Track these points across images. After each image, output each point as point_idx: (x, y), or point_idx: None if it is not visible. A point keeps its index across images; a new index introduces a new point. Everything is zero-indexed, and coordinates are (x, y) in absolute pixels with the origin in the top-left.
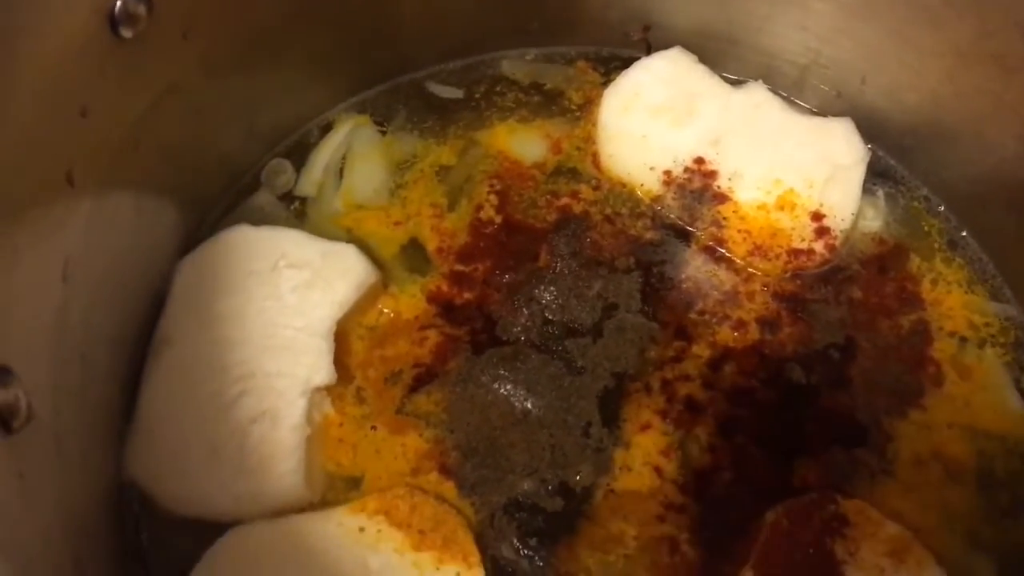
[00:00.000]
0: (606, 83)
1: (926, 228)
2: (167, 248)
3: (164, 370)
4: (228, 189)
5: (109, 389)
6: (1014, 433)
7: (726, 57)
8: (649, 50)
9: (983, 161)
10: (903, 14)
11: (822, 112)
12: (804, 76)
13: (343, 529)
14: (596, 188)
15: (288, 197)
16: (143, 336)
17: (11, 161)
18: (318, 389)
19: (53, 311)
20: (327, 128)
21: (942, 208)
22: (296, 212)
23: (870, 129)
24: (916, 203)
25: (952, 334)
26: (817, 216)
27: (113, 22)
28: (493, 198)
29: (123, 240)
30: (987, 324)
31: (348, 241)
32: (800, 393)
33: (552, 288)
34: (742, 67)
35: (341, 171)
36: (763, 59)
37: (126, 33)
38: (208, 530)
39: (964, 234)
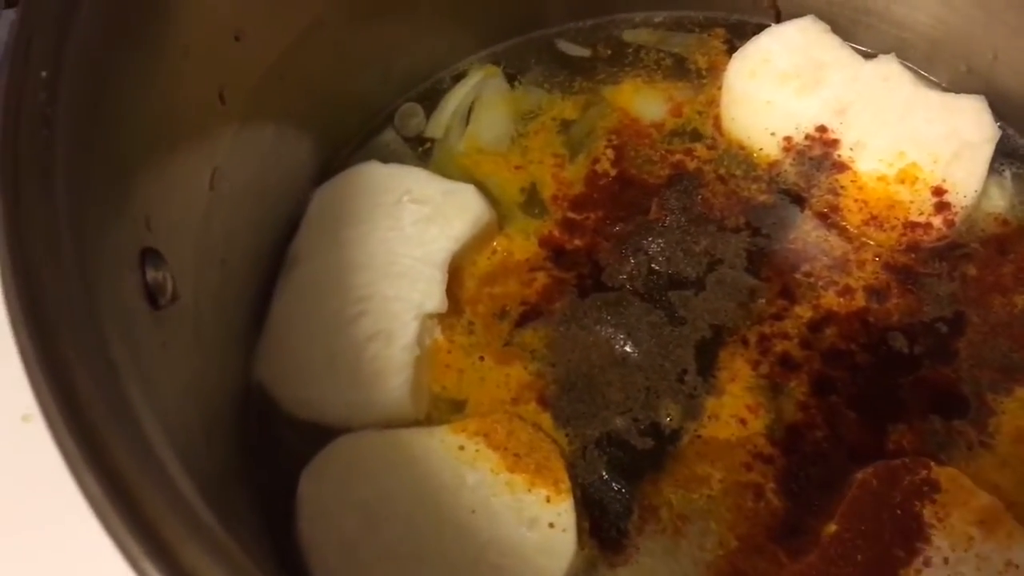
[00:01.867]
0: (732, 50)
1: None
2: (303, 177)
3: (293, 286)
4: (362, 127)
5: (244, 296)
6: None
7: (858, 27)
8: (779, 17)
9: None
10: None
11: (953, 88)
12: (935, 49)
13: (444, 445)
14: (712, 148)
15: (416, 139)
16: (277, 254)
17: (173, 74)
18: (430, 315)
19: (200, 214)
20: (459, 77)
21: None
22: (422, 153)
23: (1000, 107)
24: None
25: None
26: (939, 191)
27: None
28: (610, 152)
29: (264, 163)
30: None
31: (468, 182)
32: (902, 362)
33: (660, 240)
34: (874, 38)
35: (468, 117)
36: (895, 31)
37: None
38: (321, 434)
39: None
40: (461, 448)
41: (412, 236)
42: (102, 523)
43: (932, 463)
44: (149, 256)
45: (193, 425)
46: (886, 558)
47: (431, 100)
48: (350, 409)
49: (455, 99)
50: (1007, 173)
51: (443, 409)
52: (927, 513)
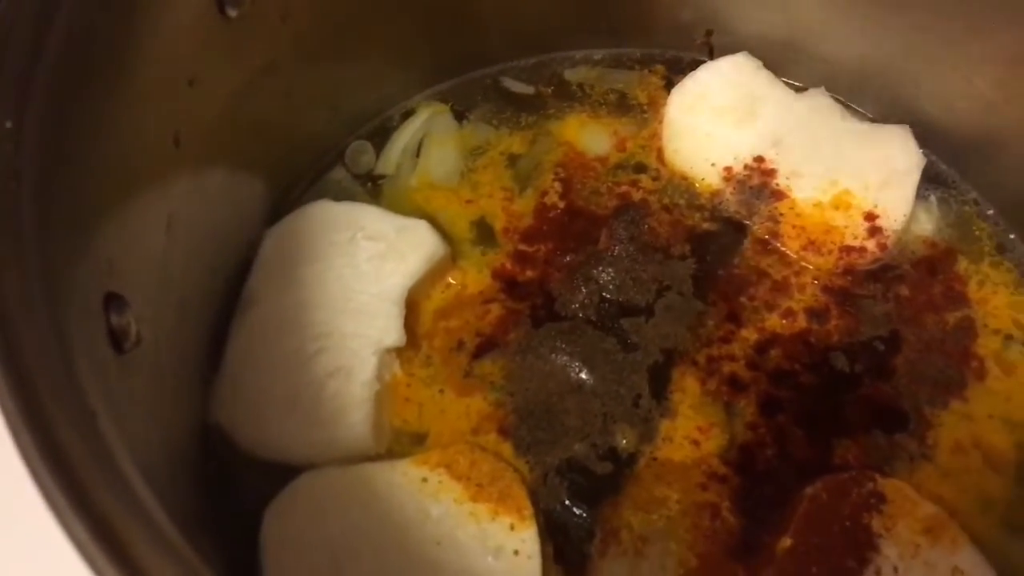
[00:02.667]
0: (671, 85)
1: (976, 232)
2: (255, 217)
3: (249, 326)
4: (312, 166)
5: (200, 337)
6: None
7: (788, 62)
8: (712, 54)
9: None
10: (957, 24)
11: (878, 117)
12: (862, 82)
13: (407, 478)
14: (656, 179)
15: (366, 176)
16: (232, 295)
17: (131, 120)
18: (388, 350)
19: (158, 258)
20: (407, 114)
21: (991, 212)
22: (372, 190)
23: (924, 135)
24: (967, 207)
25: (997, 332)
26: (871, 216)
27: (220, 2)
28: (558, 185)
29: (218, 205)
30: None
31: (421, 217)
32: (843, 380)
33: (610, 269)
34: (803, 73)
35: (418, 153)
36: (823, 65)
37: (231, 12)
38: (283, 472)
39: (1012, 237)
40: (424, 480)
41: (367, 272)
42: (91, 566)
43: (877, 476)
44: (113, 301)
45: (159, 468)
46: (839, 569)
47: (380, 137)
48: (312, 447)
49: (404, 136)
50: (932, 198)
51: (404, 443)
52: (875, 524)
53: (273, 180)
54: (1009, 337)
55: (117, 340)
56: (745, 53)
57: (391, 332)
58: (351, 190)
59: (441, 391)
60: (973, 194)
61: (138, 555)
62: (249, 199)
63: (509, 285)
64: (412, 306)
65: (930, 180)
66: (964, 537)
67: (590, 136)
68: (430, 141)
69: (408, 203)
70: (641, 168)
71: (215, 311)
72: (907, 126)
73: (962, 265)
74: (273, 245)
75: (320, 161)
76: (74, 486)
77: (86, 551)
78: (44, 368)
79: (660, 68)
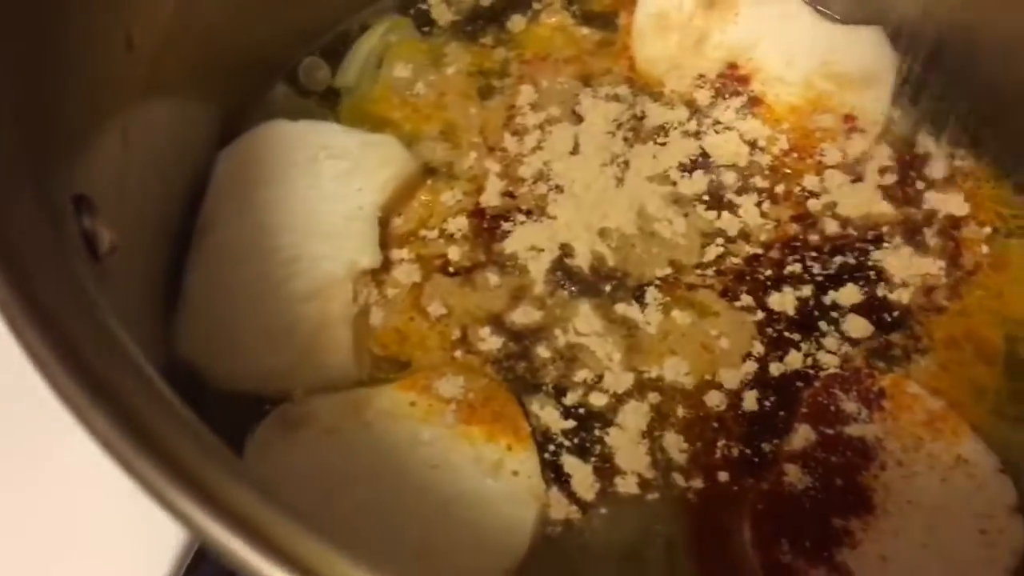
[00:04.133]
0: None
1: (951, 125)
2: (208, 139)
3: (208, 252)
4: (262, 84)
5: (157, 263)
6: None
7: None
8: None
9: (1003, 56)
10: None
11: (848, 19)
12: None
13: (394, 403)
14: (630, 87)
15: (321, 94)
16: (187, 224)
17: (78, 16)
18: (364, 272)
19: (117, 167)
20: (363, 28)
21: (962, 106)
22: (325, 107)
23: (894, 34)
24: (941, 104)
25: (982, 224)
26: (849, 119)
27: None
28: (527, 92)
29: (171, 122)
30: (1015, 216)
31: (383, 130)
32: (834, 283)
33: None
34: None
35: (380, 65)
36: None
37: None
38: (258, 405)
39: (984, 130)
40: (412, 404)
41: (334, 192)
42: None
43: (876, 372)
44: (83, 203)
45: None
46: (844, 466)
47: (332, 54)
48: (289, 376)
49: (366, 46)
50: (904, 98)
51: (386, 369)
52: (877, 419)
53: (223, 100)
54: (995, 230)
55: (92, 244)
56: None
57: (366, 252)
58: (301, 107)
59: (417, 315)
60: (943, 89)
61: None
62: (202, 119)
63: (478, 204)
64: (382, 225)
65: (902, 79)
66: (965, 427)
67: (558, 45)
68: (393, 52)
69: (369, 117)
70: (614, 79)
71: (172, 239)
72: (879, 27)
73: (942, 161)
74: (227, 168)
75: (270, 79)
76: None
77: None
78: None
79: None
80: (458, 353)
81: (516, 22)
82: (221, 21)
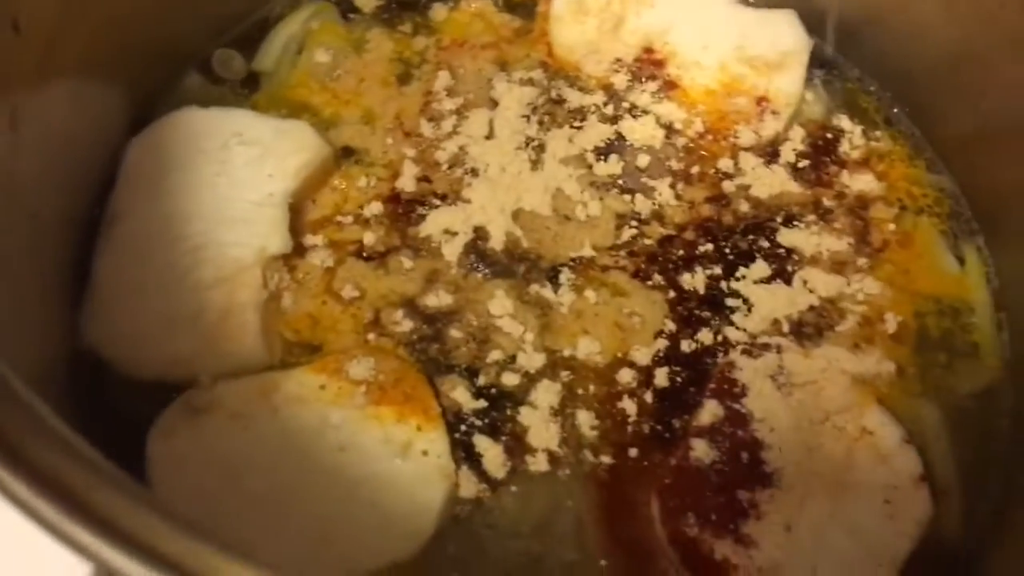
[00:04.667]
0: None
1: (864, 106)
2: (117, 129)
3: (116, 242)
4: (176, 73)
5: (63, 255)
6: (946, 293)
7: None
8: None
9: (910, 36)
10: None
11: (762, 3)
12: None
13: (303, 387)
14: (546, 72)
15: (240, 81)
16: (94, 213)
17: None
18: (274, 257)
19: (2, 153)
20: (278, 18)
21: (874, 88)
22: (247, 93)
23: (806, 18)
24: (850, 84)
25: (892, 203)
26: (762, 100)
27: None
28: (444, 78)
29: (73, 109)
30: (924, 195)
31: (301, 115)
32: (744, 260)
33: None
34: None
35: (299, 51)
36: None
37: None
38: (165, 392)
39: (896, 110)
40: (322, 387)
41: (244, 179)
42: None
43: (783, 346)
44: None
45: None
46: (752, 440)
47: (246, 44)
48: (195, 362)
49: (287, 31)
50: (817, 80)
51: (298, 353)
52: (783, 393)
53: (133, 88)
54: (904, 208)
55: None
56: None
57: (275, 238)
58: (215, 95)
59: (329, 299)
60: (855, 71)
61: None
62: (108, 109)
63: (393, 188)
64: (295, 211)
65: (814, 62)
66: (871, 399)
67: (476, 31)
68: (314, 37)
69: (287, 102)
70: (531, 64)
71: (78, 229)
72: (792, 10)
73: (857, 143)
74: (137, 156)
75: (183, 67)
76: None
77: None
78: None
79: None
80: (371, 336)
81: (437, 10)
82: (125, 9)
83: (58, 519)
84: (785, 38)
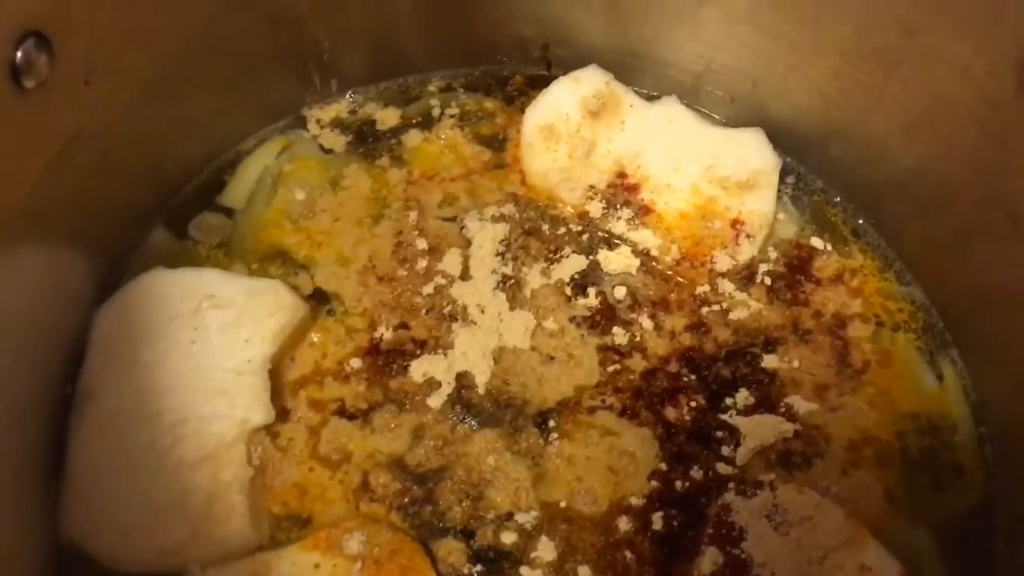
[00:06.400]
0: (517, 103)
1: (831, 219)
2: (83, 298)
3: (90, 424)
4: (140, 230)
5: (36, 439)
6: (927, 411)
7: (634, 72)
8: (549, 67)
9: (871, 150)
10: (786, 17)
11: (729, 120)
12: (699, 83)
13: (297, 567)
14: (517, 204)
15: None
16: (68, 392)
17: None
18: (256, 429)
19: None
20: (245, 154)
21: (838, 199)
22: (213, 245)
23: (770, 133)
24: (816, 196)
25: (868, 320)
26: (736, 223)
27: (15, 73)
28: (413, 216)
29: (37, 290)
30: (899, 310)
31: (273, 254)
32: (728, 390)
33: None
34: (650, 81)
35: (273, 187)
36: (667, 72)
37: (28, 83)
38: None
39: (861, 222)
40: (317, 566)
41: (220, 345)
42: None
43: (776, 482)
44: None
45: None
46: None
47: (209, 189)
48: (183, 552)
49: (260, 162)
50: (786, 197)
51: (287, 528)
52: (780, 533)
53: (98, 252)
54: (880, 324)
55: None
56: (594, 66)
57: (257, 409)
58: (182, 250)
59: (311, 469)
60: (819, 183)
61: None
62: (72, 277)
63: (372, 339)
64: (274, 372)
65: (784, 180)
66: (866, 533)
67: (446, 164)
68: (290, 173)
69: (260, 243)
70: (504, 194)
71: (50, 412)
72: (760, 129)
73: (829, 259)
74: (106, 326)
75: (147, 224)
76: None
77: None
78: None
79: (517, 81)
80: (361, 503)
81: (412, 136)
82: (85, 184)
83: None
84: (755, 157)
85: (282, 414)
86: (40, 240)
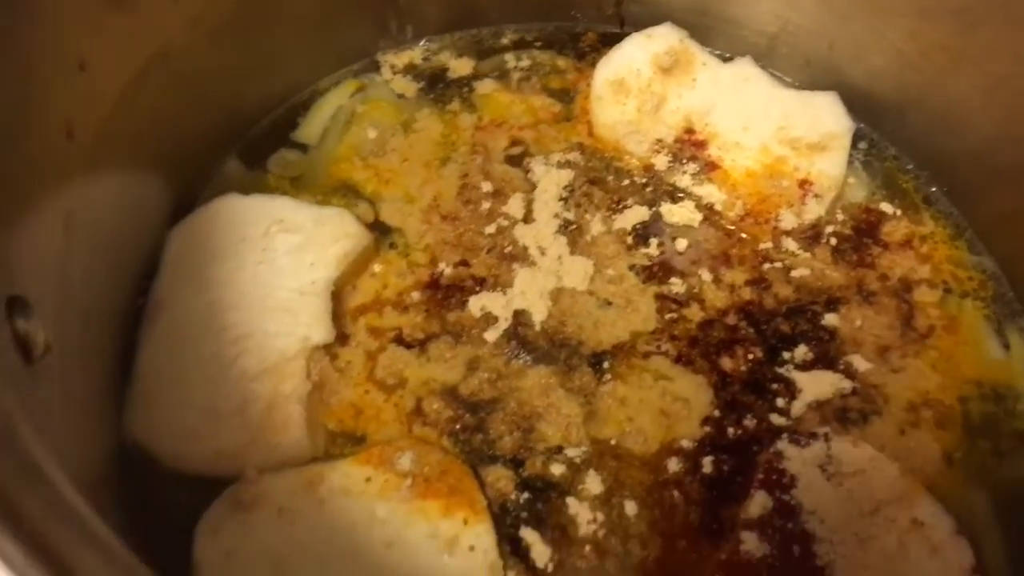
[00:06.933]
0: (588, 59)
1: (903, 186)
2: (158, 217)
3: (160, 333)
4: (215, 159)
5: (108, 348)
6: (988, 378)
7: (709, 32)
8: (622, 24)
9: (949, 116)
10: None
11: (803, 84)
12: (773, 44)
13: (349, 479)
14: (584, 154)
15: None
16: (138, 302)
17: (18, 107)
18: (317, 347)
19: (57, 259)
20: (319, 94)
21: (911, 167)
22: (285, 177)
23: (845, 97)
24: (888, 163)
25: (936, 286)
26: (805, 183)
27: None
28: (480, 160)
29: (118, 204)
30: (969, 278)
31: (339, 190)
32: (788, 345)
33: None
34: (725, 42)
35: (347, 124)
36: (742, 33)
37: None
38: (211, 485)
39: (934, 190)
40: (368, 480)
41: (286, 267)
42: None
43: (831, 434)
44: (16, 305)
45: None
46: (803, 533)
47: (283, 127)
48: (243, 456)
49: (335, 101)
50: (857, 163)
51: (341, 444)
52: (832, 483)
53: (173, 176)
54: (948, 291)
55: (25, 347)
56: (669, 23)
57: (319, 328)
58: (253, 180)
59: (367, 392)
60: (892, 150)
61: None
62: (150, 197)
63: (432, 274)
64: (336, 298)
65: (857, 145)
66: (921, 489)
67: (517, 112)
68: (364, 113)
69: (329, 177)
70: (570, 144)
71: (122, 321)
72: (835, 92)
73: (900, 223)
74: (179, 245)
75: (222, 154)
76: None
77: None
78: None
79: (590, 38)
80: (414, 426)
81: (485, 83)
82: (166, 104)
83: None
84: (827, 120)
85: (342, 338)
86: (122, 158)
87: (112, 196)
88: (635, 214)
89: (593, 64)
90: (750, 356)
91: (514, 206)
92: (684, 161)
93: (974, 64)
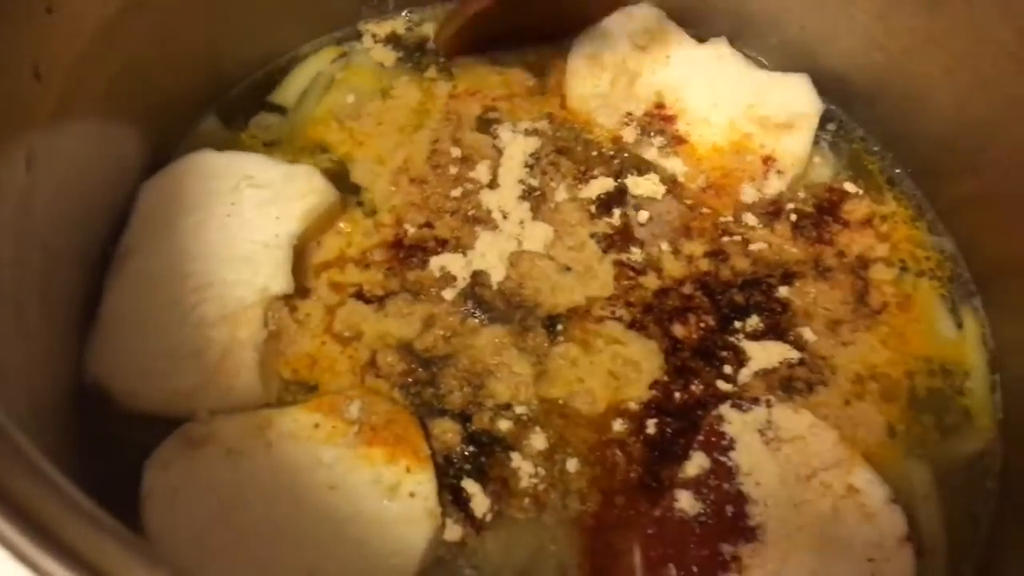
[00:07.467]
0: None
1: (868, 167)
2: (131, 169)
3: (126, 278)
4: (193, 117)
5: (73, 290)
6: (938, 355)
7: (680, 12)
8: None
9: (913, 98)
10: None
11: (776, 67)
12: (747, 24)
13: (298, 424)
14: (553, 123)
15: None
16: (107, 250)
17: None
18: (276, 297)
19: (18, 192)
20: (299, 59)
21: (877, 148)
22: (260, 138)
23: (816, 79)
24: (855, 144)
25: (892, 265)
26: (768, 160)
27: None
28: (451, 128)
29: (89, 151)
30: (927, 258)
31: (317, 151)
32: (740, 315)
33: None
34: (702, 24)
35: (326, 89)
36: (709, 10)
37: None
38: (164, 425)
39: (898, 171)
40: (316, 426)
41: (252, 220)
42: None
43: (774, 400)
44: None
45: (32, 426)
46: (737, 494)
47: (262, 89)
48: (195, 397)
49: (314, 66)
50: (824, 144)
51: (294, 391)
52: (770, 447)
53: (150, 131)
54: (904, 269)
55: None
56: (647, 3)
57: (278, 279)
58: (229, 139)
59: (323, 343)
60: (859, 132)
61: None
62: (125, 150)
63: (397, 234)
64: (300, 253)
65: (824, 126)
66: (859, 457)
67: (492, 83)
68: (343, 79)
69: (304, 139)
70: (541, 114)
71: (90, 265)
72: (806, 74)
73: (860, 203)
74: (151, 197)
75: (200, 112)
76: None
77: None
78: None
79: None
80: (367, 377)
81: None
82: (144, 56)
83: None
84: (796, 101)
85: (303, 292)
86: (94, 104)
87: (82, 142)
88: (600, 185)
89: (571, 40)
90: (702, 324)
91: (481, 172)
92: (652, 134)
93: (936, 43)
